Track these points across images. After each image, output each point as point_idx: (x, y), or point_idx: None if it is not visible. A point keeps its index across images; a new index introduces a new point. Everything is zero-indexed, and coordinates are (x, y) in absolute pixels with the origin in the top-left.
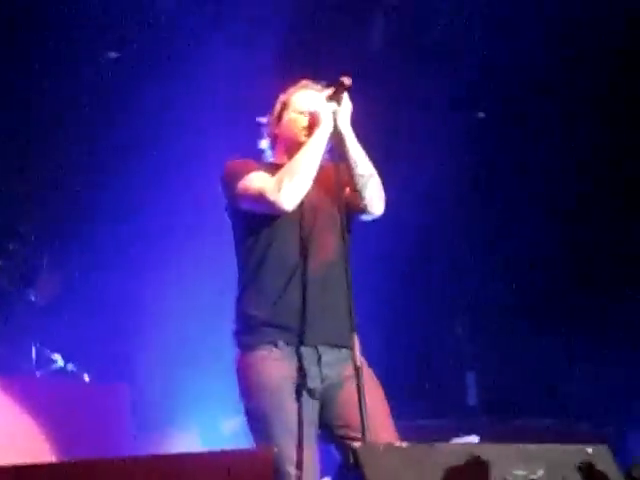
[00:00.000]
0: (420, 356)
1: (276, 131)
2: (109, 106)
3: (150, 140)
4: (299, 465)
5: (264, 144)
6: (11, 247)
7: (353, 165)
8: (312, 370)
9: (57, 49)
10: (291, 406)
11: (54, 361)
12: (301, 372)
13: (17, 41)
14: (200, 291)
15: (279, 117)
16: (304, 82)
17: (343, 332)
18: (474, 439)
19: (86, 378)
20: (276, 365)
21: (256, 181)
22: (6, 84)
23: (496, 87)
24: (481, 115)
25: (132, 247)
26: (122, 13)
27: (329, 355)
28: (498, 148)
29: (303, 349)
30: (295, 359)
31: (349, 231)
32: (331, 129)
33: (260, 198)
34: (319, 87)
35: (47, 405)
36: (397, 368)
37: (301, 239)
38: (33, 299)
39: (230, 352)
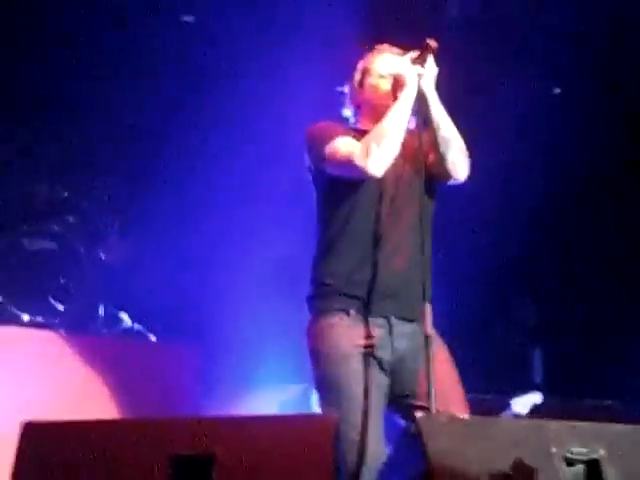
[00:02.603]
0: (486, 330)
1: (359, 98)
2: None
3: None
4: (364, 432)
5: (347, 112)
6: (84, 206)
7: (436, 128)
8: (383, 340)
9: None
10: (359, 374)
11: (121, 320)
12: (371, 341)
13: None
14: (272, 253)
15: (361, 84)
16: (382, 47)
17: (416, 305)
18: (536, 397)
19: (152, 338)
20: (347, 332)
21: (344, 146)
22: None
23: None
24: (557, 91)
25: (202, 211)
26: None
27: (401, 327)
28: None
29: (375, 319)
30: (367, 328)
31: (432, 199)
32: (415, 92)
33: (348, 164)
34: (398, 51)
35: (113, 364)
36: (461, 341)
37: (382, 209)
38: (103, 258)
39: (301, 316)
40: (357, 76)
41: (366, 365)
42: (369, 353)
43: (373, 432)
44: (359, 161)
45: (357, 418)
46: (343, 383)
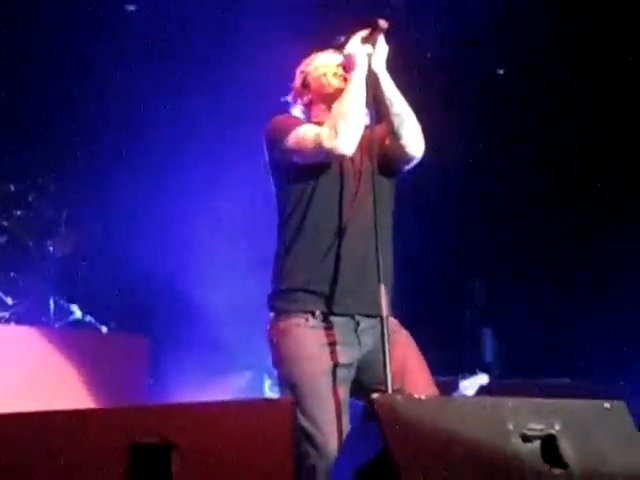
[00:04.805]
0: (438, 312)
1: (307, 98)
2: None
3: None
4: (329, 430)
5: (297, 112)
6: (30, 199)
7: (388, 104)
8: (349, 338)
9: None
10: (325, 373)
11: (72, 312)
12: (337, 339)
13: None
14: (221, 244)
15: (304, 85)
16: (314, 51)
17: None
18: (483, 378)
19: (104, 329)
20: (312, 333)
21: (308, 132)
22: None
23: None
24: (500, 72)
25: (152, 202)
26: None
27: (366, 323)
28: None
29: (340, 318)
30: (331, 328)
31: (392, 189)
32: (366, 71)
33: (317, 147)
34: (329, 50)
35: (65, 356)
36: (414, 323)
37: (344, 203)
38: (51, 250)
39: (246, 307)
40: (297, 81)
41: (332, 363)
42: (335, 351)
43: (337, 428)
44: (328, 142)
45: (322, 415)
46: (309, 381)
